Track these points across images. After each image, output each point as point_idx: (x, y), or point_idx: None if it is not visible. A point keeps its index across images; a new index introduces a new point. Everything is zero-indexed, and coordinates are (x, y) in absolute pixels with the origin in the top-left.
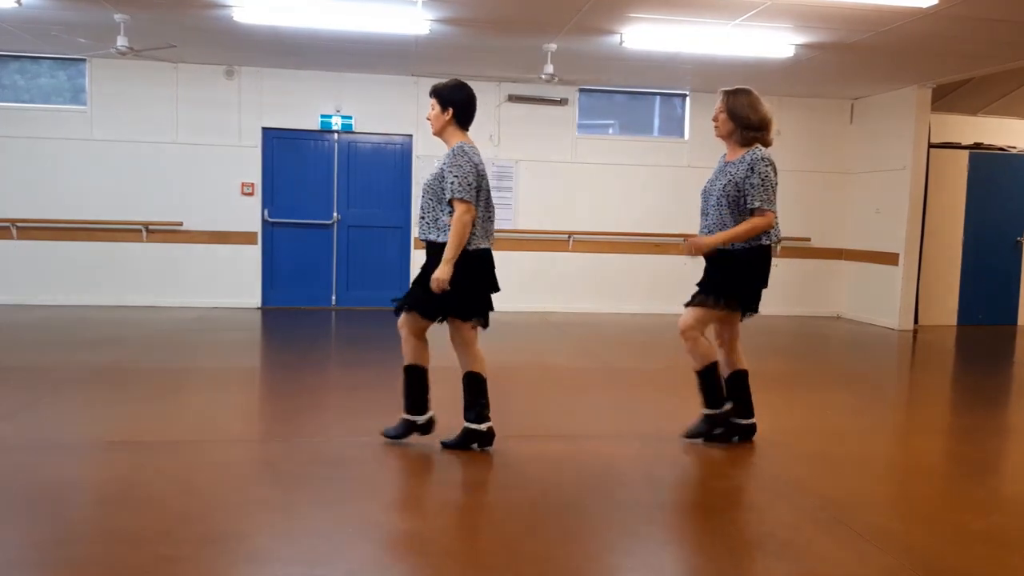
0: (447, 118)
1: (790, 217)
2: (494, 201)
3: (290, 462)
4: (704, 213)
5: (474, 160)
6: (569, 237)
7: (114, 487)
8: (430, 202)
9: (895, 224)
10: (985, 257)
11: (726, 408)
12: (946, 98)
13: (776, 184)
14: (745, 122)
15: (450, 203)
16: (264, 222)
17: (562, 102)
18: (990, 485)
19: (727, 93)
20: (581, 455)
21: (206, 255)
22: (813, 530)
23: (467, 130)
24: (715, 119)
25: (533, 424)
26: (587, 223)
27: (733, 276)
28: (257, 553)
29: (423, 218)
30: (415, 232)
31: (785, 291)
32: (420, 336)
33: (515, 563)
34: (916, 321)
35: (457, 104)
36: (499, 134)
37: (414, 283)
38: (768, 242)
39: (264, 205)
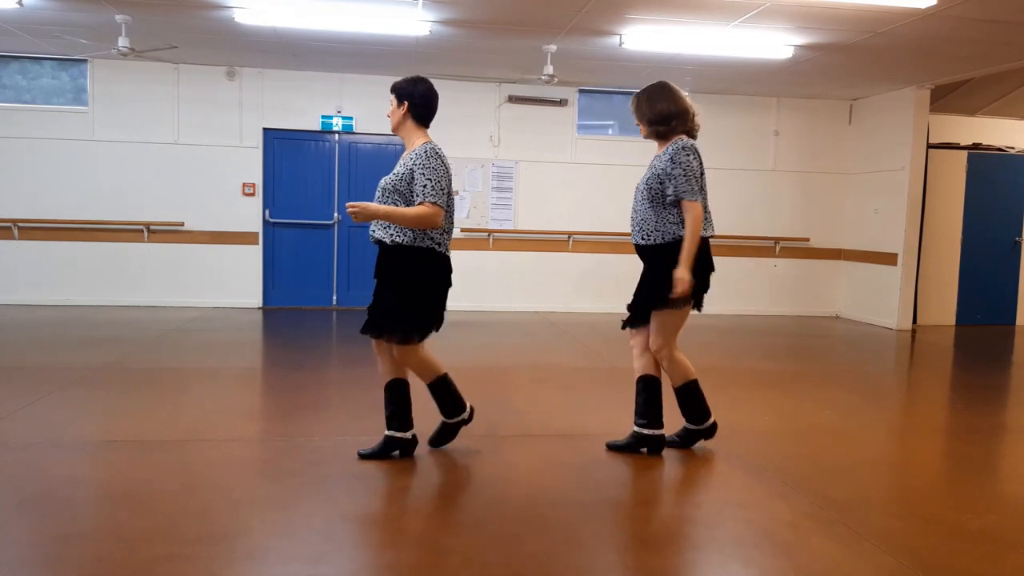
0: (402, 112)
1: (789, 217)
2: (495, 201)
3: (291, 460)
4: (634, 208)
5: (447, 164)
6: (569, 237)
7: (114, 486)
8: (397, 203)
9: (894, 224)
10: (983, 257)
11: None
12: (945, 99)
13: (702, 174)
14: (648, 118)
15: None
16: (265, 222)
17: (562, 103)
18: (989, 485)
19: (634, 97)
20: (581, 454)
21: (207, 255)
22: (812, 530)
23: (428, 127)
24: (634, 114)
25: (533, 423)
26: (587, 223)
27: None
28: (257, 551)
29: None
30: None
31: (784, 291)
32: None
33: (515, 561)
34: (915, 321)
35: (415, 97)
36: (499, 134)
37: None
38: (707, 234)
39: (265, 205)
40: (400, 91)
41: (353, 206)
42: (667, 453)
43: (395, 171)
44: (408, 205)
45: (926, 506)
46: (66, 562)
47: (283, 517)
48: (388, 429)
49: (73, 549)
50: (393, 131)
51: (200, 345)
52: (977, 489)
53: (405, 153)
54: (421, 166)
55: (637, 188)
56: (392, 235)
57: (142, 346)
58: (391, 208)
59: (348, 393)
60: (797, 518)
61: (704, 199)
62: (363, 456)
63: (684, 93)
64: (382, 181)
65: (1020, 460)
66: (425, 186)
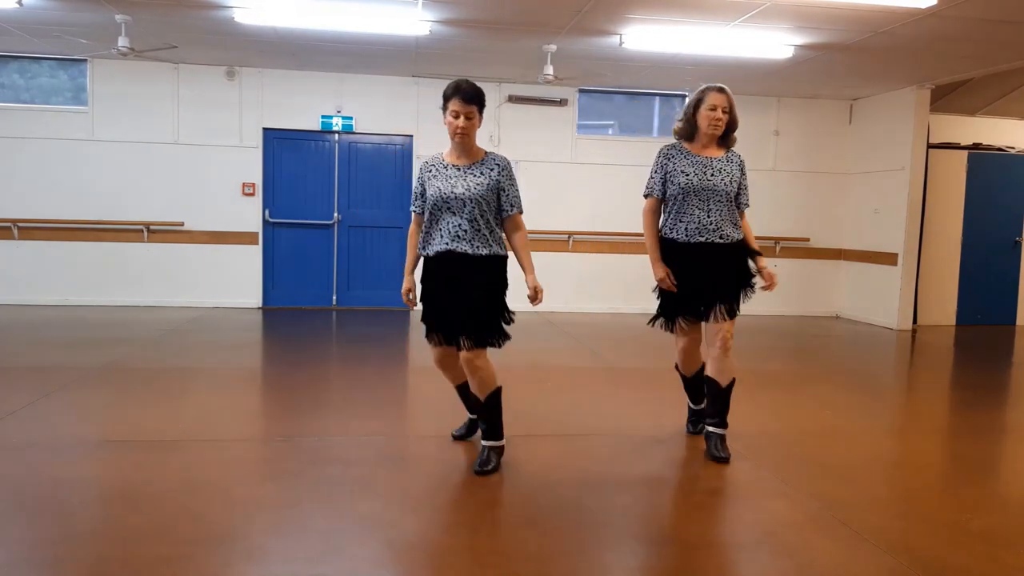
0: (480, 125)
1: (789, 217)
2: None
3: (291, 461)
4: (707, 209)
5: None
6: (569, 237)
7: (114, 486)
8: (483, 208)
9: (894, 224)
10: (984, 257)
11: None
12: (945, 98)
13: None
14: (735, 125)
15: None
16: (265, 222)
17: (562, 102)
18: (989, 485)
19: (727, 92)
20: (581, 454)
21: (207, 255)
22: (813, 530)
23: None
24: (723, 113)
25: (533, 423)
26: (587, 223)
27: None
28: (258, 552)
29: (478, 232)
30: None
31: (784, 291)
32: None
33: (515, 561)
34: (915, 321)
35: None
36: (499, 134)
37: (471, 310)
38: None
39: (265, 205)
40: (483, 103)
41: (538, 298)
42: (666, 454)
43: (477, 180)
44: (490, 212)
45: (927, 506)
46: (66, 562)
47: (283, 517)
48: (497, 439)
49: (73, 549)
50: (469, 143)
51: (200, 345)
52: (977, 489)
53: (467, 160)
54: (508, 177)
55: (713, 190)
56: (499, 249)
57: (142, 346)
58: (530, 262)
59: (348, 393)
60: (797, 518)
61: None
62: (480, 472)
63: None
64: (457, 190)
65: (1020, 460)
66: (517, 196)
